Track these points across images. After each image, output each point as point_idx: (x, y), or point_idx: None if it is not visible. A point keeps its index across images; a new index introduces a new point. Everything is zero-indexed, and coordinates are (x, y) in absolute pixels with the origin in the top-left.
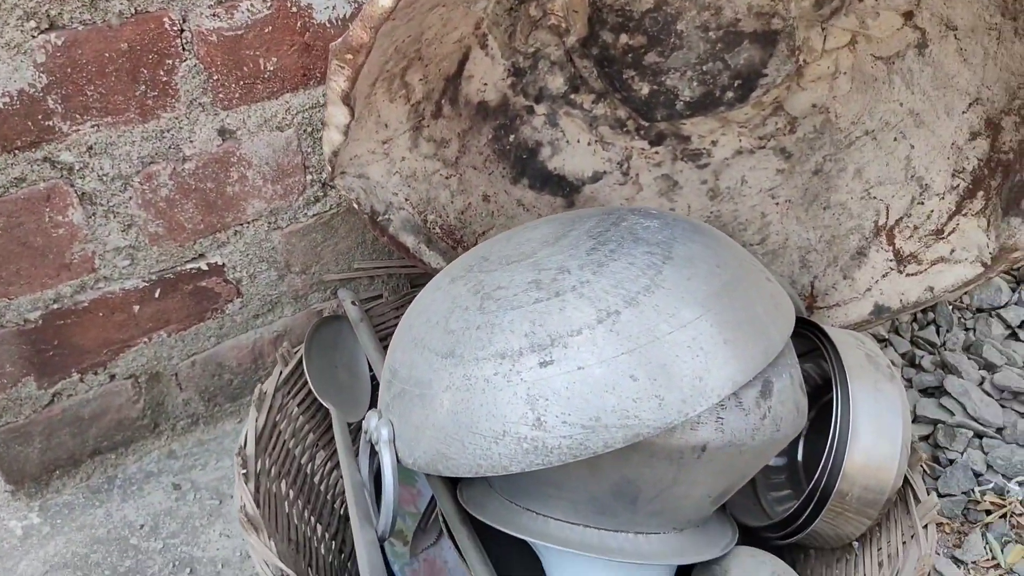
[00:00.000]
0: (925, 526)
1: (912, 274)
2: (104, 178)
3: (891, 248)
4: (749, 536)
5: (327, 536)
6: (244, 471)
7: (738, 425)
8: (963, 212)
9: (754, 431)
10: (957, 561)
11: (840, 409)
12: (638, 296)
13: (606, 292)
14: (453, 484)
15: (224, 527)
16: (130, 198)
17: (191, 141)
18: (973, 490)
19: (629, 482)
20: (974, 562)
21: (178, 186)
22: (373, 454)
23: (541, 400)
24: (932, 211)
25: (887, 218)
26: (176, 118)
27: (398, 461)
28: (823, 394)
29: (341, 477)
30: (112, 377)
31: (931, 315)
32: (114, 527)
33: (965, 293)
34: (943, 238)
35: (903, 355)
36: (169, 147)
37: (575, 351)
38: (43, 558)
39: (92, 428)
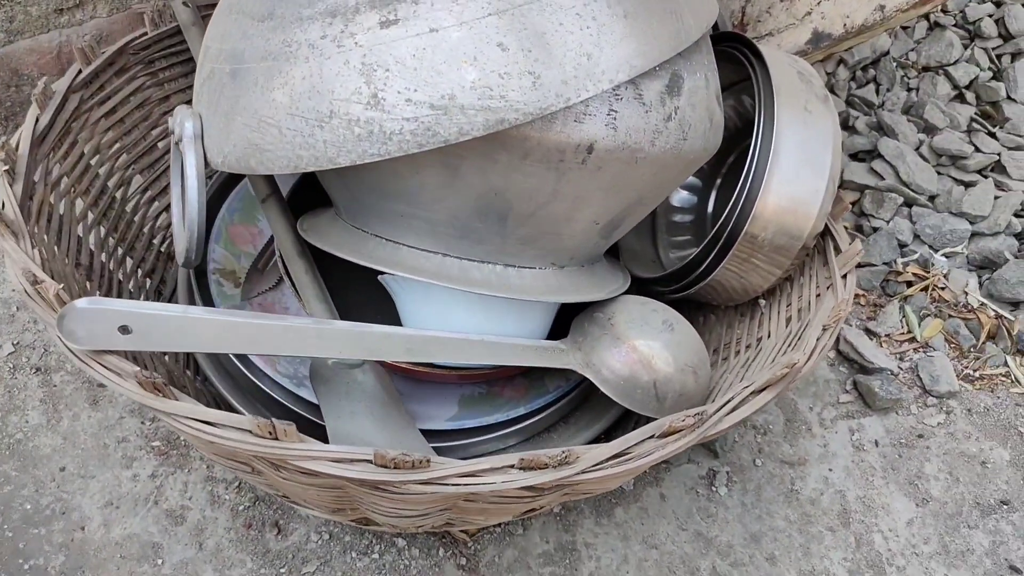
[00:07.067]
0: (844, 275)
1: None
2: None
3: None
4: (643, 291)
5: (139, 272)
6: (7, 168)
7: (635, 123)
8: None
9: (655, 134)
10: (870, 333)
11: (762, 130)
12: None
13: None
14: (295, 217)
15: None
16: None
17: None
18: (895, 260)
19: (497, 194)
20: (887, 335)
21: None
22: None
23: (380, 70)
24: None
25: None
26: None
27: (206, 162)
28: (743, 139)
29: (164, 210)
30: None
31: (872, 72)
32: None
33: (920, 18)
34: None
35: None
36: None
37: (428, 7)
38: None
39: None
